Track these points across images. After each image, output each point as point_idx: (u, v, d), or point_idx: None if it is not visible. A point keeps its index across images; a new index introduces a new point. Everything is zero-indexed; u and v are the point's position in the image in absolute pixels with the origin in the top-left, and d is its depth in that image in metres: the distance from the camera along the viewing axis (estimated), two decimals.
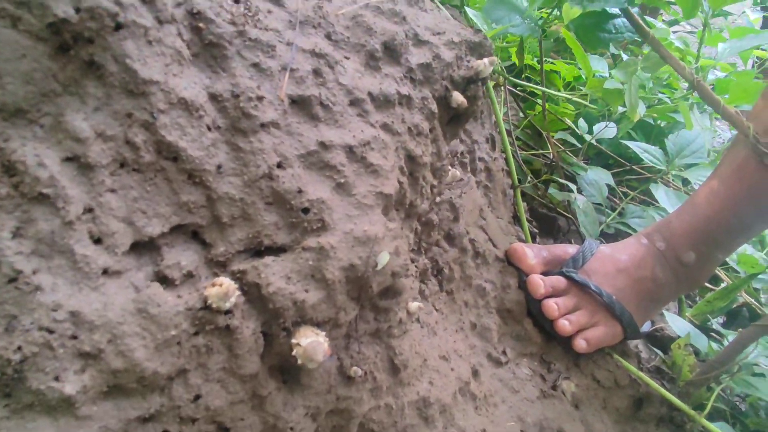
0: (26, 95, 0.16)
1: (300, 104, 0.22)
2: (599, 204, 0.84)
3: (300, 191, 0.21)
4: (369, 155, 0.23)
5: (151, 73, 0.18)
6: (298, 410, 0.23)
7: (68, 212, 0.17)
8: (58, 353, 0.16)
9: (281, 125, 0.21)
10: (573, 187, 0.71)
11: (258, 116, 0.21)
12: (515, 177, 0.69)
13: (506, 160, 0.69)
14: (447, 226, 0.51)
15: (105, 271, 0.18)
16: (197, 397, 0.20)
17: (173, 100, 0.18)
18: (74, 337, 0.16)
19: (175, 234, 0.20)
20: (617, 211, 0.85)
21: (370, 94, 0.24)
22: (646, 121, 0.96)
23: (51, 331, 0.16)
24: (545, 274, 0.60)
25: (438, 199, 0.35)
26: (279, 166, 0.21)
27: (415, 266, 0.35)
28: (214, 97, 0.20)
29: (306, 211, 0.21)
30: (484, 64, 0.29)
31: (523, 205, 0.77)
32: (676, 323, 0.66)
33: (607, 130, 0.88)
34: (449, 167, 0.32)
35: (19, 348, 0.16)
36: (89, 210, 0.17)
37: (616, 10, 0.60)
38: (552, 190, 0.77)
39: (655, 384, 0.58)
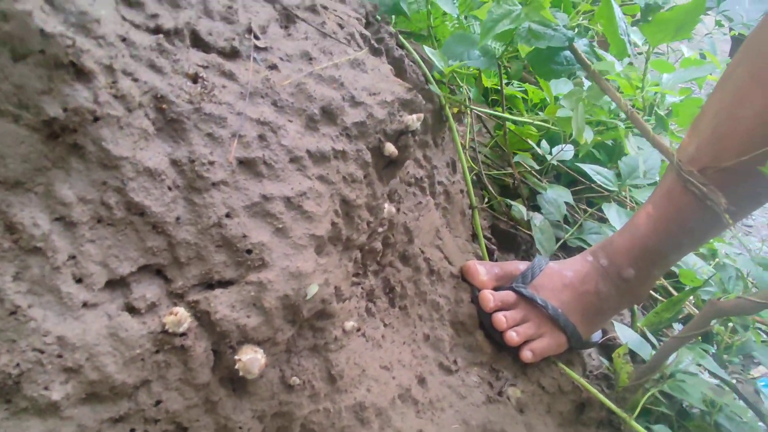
0: (24, 171, 0.22)
1: (246, 164, 0.28)
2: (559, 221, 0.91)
3: (244, 236, 0.27)
4: (304, 204, 0.29)
5: (121, 151, 0.23)
6: (245, 413, 0.28)
7: (56, 260, 0.22)
8: (47, 368, 0.21)
9: (230, 183, 0.27)
10: (522, 209, 0.77)
11: (210, 177, 0.26)
12: (473, 198, 0.75)
13: (465, 182, 0.75)
14: (402, 248, 0.57)
15: (84, 304, 0.23)
16: (158, 402, 0.25)
17: (140, 169, 0.24)
18: (60, 356, 0.22)
19: (142, 272, 0.25)
20: (576, 227, 0.92)
21: (308, 151, 0.30)
22: (606, 142, 1.03)
23: (42, 352, 0.21)
24: (497, 289, 0.67)
25: (381, 229, 0.40)
26: (227, 216, 0.27)
27: (361, 288, 0.41)
28: (174, 162, 0.26)
29: (249, 252, 0.27)
30: (413, 120, 0.35)
31: (482, 224, 0.83)
32: (623, 333, 0.73)
33: (565, 151, 0.94)
34: (385, 205, 0.38)
35: (17, 365, 0.21)
36: (72, 257, 0.23)
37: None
38: (516, 208, 0.83)
39: (594, 390, 0.64)
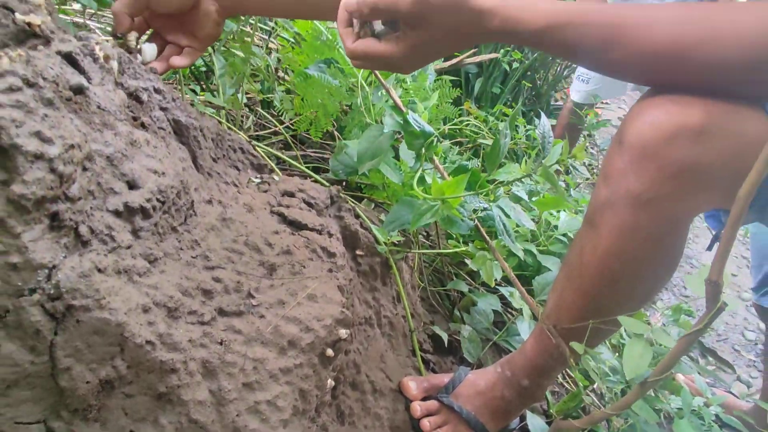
0: (147, 412, 0.49)
1: (247, 385, 0.56)
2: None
3: (245, 426, 0.54)
4: (277, 402, 0.56)
5: (187, 397, 0.51)
6: None
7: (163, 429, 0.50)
8: None
9: (238, 398, 0.55)
10: (444, 335, 1.06)
11: (228, 397, 0.54)
12: (411, 324, 1.04)
13: (405, 312, 1.03)
14: (351, 378, 0.85)
15: None
16: None
17: (195, 402, 0.52)
18: None
19: None
20: (503, 331, 1.20)
21: (280, 369, 0.58)
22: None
23: None
24: (426, 398, 0.95)
25: (327, 392, 0.68)
26: (237, 415, 0.54)
27: (317, 425, 0.68)
28: (211, 392, 0.53)
29: None
30: (344, 333, 0.63)
31: (422, 337, 1.11)
32: (532, 421, 1.01)
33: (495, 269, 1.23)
34: (328, 381, 0.66)
35: None
36: None
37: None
38: (441, 334, 1.11)
39: None
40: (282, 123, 1.19)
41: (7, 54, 0.48)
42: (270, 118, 1.16)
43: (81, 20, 0.98)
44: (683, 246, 0.71)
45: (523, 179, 1.29)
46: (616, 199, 0.63)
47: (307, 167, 1.21)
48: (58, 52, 0.53)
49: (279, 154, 0.99)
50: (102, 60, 0.59)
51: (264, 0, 0.75)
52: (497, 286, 1.16)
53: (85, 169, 0.47)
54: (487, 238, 0.94)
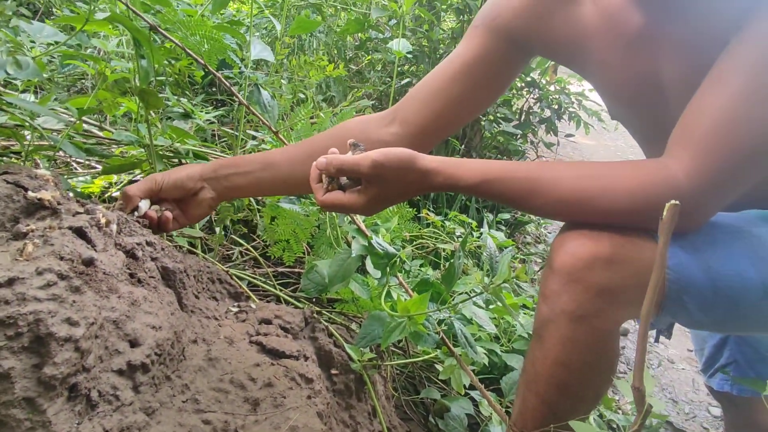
0: None
1: None
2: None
3: None
4: None
5: None
6: None
7: None
8: None
9: None
10: None
11: None
12: None
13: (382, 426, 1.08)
14: None
15: None
16: None
17: None
18: None
19: None
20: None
21: None
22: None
23: None
24: None
25: None
26: None
27: None
28: None
29: None
30: None
31: None
32: None
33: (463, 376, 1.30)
34: None
35: None
36: None
37: None
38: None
39: None
40: (253, 244, 1.29)
41: (31, 240, 0.58)
42: (242, 242, 1.26)
43: None
44: (618, 350, 0.83)
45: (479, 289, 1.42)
46: (555, 316, 0.75)
47: (279, 283, 1.30)
48: (70, 228, 0.63)
49: (255, 280, 1.08)
50: (105, 226, 0.69)
51: (253, 186, 0.89)
52: (468, 390, 1.23)
53: (96, 336, 0.54)
54: (453, 349, 1.03)
